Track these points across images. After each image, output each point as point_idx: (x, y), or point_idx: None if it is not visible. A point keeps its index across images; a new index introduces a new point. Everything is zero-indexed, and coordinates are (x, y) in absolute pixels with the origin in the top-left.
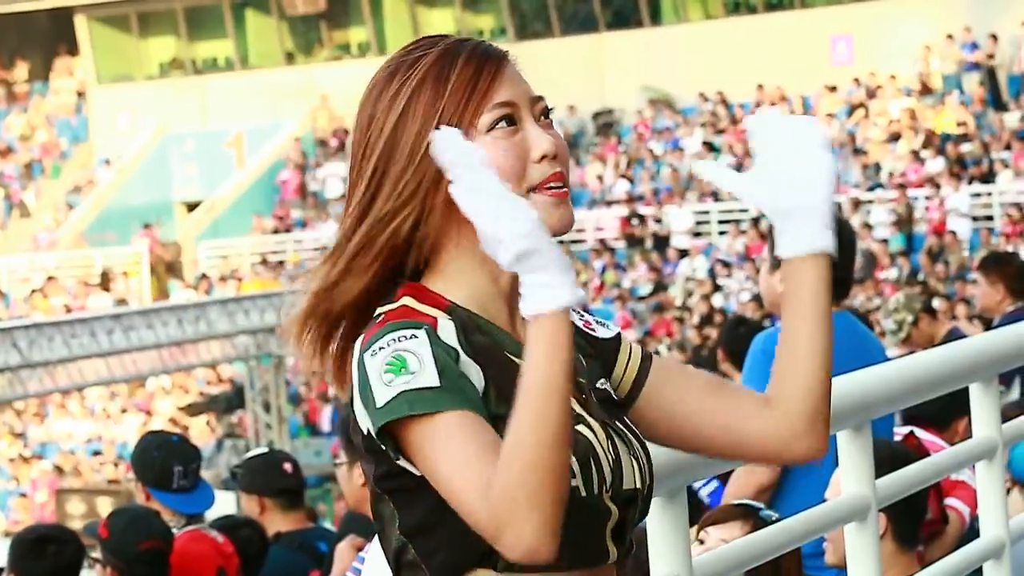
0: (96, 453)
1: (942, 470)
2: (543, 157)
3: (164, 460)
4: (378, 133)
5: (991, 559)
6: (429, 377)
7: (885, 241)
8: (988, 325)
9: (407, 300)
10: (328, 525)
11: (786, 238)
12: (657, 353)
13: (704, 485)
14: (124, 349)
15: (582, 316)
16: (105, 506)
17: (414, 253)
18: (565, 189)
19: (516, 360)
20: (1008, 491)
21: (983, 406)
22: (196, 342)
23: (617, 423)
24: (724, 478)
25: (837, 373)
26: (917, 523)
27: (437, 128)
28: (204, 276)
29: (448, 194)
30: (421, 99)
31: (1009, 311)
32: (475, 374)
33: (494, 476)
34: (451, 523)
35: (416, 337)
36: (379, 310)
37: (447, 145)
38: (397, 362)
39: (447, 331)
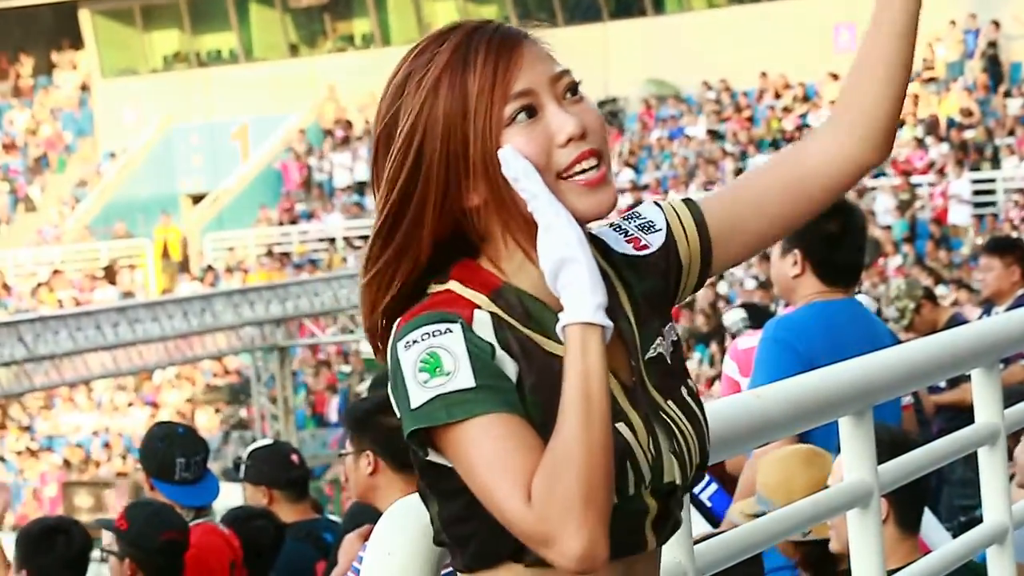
0: (104, 446)
1: (944, 456)
2: (569, 140)
3: (167, 451)
4: (411, 129)
5: (994, 544)
6: (465, 378)
7: (889, 228)
8: (988, 311)
9: (453, 284)
10: (334, 517)
11: None
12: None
13: (704, 488)
14: (130, 342)
15: (628, 233)
16: (112, 499)
17: (470, 228)
18: (599, 170)
19: (557, 352)
20: (1012, 476)
21: (985, 391)
22: (202, 334)
23: (668, 404)
24: (722, 479)
25: (842, 359)
26: (919, 508)
27: (453, 124)
28: (210, 268)
29: (487, 189)
30: (442, 100)
31: (1021, 293)
32: (510, 368)
33: (538, 483)
34: (485, 517)
35: (451, 332)
36: (430, 288)
37: (505, 164)
38: (432, 360)
39: (482, 325)
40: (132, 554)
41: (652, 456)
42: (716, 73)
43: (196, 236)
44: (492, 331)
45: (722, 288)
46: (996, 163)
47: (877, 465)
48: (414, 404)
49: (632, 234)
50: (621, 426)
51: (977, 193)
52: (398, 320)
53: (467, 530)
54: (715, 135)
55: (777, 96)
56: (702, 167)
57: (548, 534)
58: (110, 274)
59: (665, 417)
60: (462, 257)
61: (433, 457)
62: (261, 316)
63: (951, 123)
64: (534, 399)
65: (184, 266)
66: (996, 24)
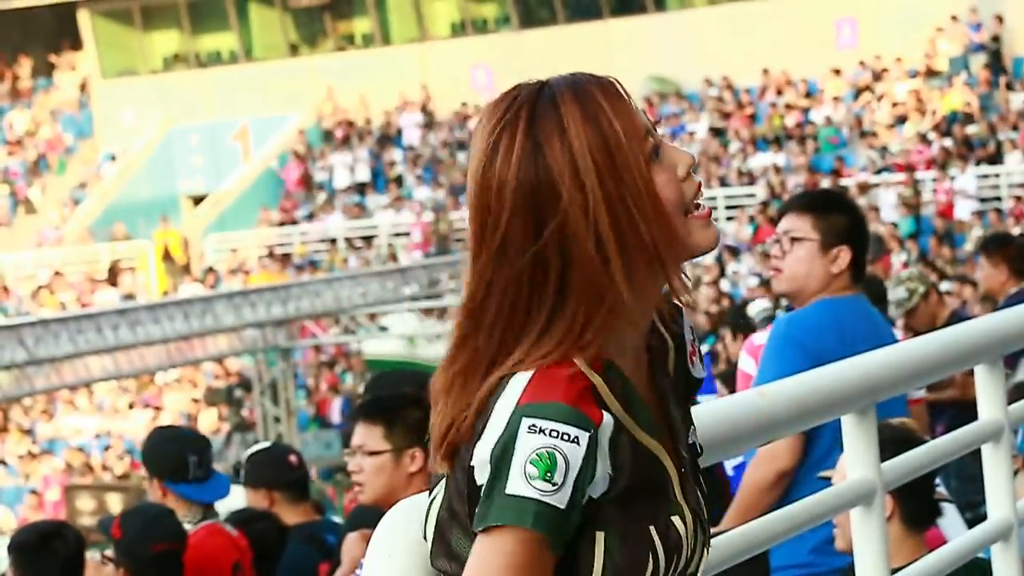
0: (106, 449)
1: (948, 453)
2: (688, 172)
3: (178, 451)
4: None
5: (999, 541)
6: (562, 498)
7: (893, 224)
8: (995, 307)
9: (576, 357)
10: (336, 518)
11: None
12: None
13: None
14: (131, 344)
15: (683, 338)
16: (115, 502)
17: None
18: (708, 206)
19: (645, 442)
20: (1016, 472)
21: (988, 388)
22: (203, 336)
23: (701, 499)
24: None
25: (851, 355)
26: (925, 505)
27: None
28: (211, 270)
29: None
30: (588, 143)
31: (1013, 292)
32: (601, 479)
33: None
34: None
35: (578, 444)
36: (535, 353)
37: None
38: (548, 461)
39: (606, 432)
40: (125, 564)
41: (691, 548)
42: (718, 70)
43: (197, 238)
44: (608, 439)
45: (724, 286)
46: (999, 158)
47: (881, 463)
48: (511, 490)
49: (688, 337)
50: (676, 520)
51: (981, 188)
52: (528, 378)
53: None
54: (717, 132)
55: (779, 92)
56: (704, 164)
57: None
58: (111, 276)
59: (700, 514)
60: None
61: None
62: (262, 317)
63: (953, 118)
64: (618, 504)
65: (186, 268)
66: (999, 18)
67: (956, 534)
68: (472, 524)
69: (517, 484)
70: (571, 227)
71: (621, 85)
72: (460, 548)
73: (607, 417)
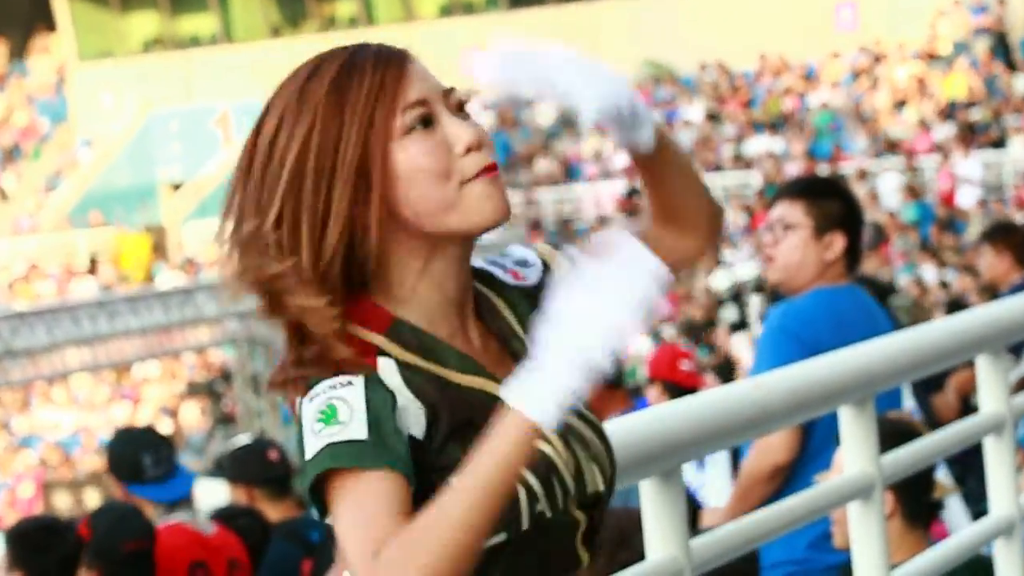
0: (83, 444)
1: (948, 445)
2: (468, 149)
3: (133, 453)
4: (288, 156)
5: (1001, 536)
6: (357, 429)
7: (893, 212)
8: (996, 296)
9: (353, 328)
10: None
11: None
12: None
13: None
14: (109, 335)
15: (505, 268)
16: (92, 498)
17: (357, 266)
18: (495, 171)
19: (461, 382)
20: (1020, 467)
21: (990, 379)
22: (183, 327)
23: (572, 417)
24: None
25: (847, 345)
26: (926, 499)
27: (342, 136)
28: (191, 259)
29: (381, 203)
30: (328, 113)
31: (1016, 282)
32: (414, 415)
33: (397, 542)
34: None
35: (351, 384)
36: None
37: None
38: (328, 411)
39: (387, 371)
40: (96, 564)
41: (573, 468)
42: (713, 54)
43: (176, 226)
44: (398, 374)
45: (720, 274)
46: (1003, 144)
47: (879, 456)
48: (307, 455)
49: (510, 267)
50: (540, 443)
51: (984, 175)
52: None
53: None
54: (713, 117)
55: (776, 77)
56: (699, 150)
57: None
58: (90, 266)
59: (574, 427)
60: (356, 291)
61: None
62: (245, 308)
63: (956, 103)
64: (447, 438)
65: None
66: (1002, 1)
67: (959, 526)
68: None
69: (312, 445)
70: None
71: (402, 59)
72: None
73: (382, 360)
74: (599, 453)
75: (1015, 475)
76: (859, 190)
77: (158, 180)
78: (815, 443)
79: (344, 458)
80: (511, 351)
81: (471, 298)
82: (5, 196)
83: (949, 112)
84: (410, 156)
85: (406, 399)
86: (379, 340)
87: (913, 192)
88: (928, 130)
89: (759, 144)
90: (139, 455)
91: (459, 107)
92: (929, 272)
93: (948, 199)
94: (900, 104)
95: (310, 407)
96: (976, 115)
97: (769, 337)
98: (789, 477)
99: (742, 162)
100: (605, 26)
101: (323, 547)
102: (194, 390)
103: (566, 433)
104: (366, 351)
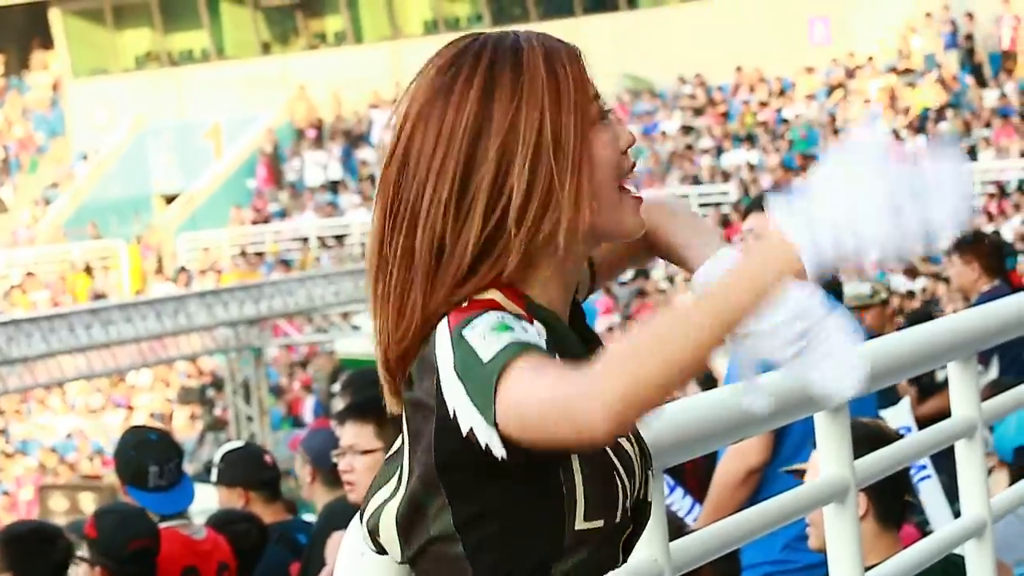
0: (77, 449)
1: (921, 450)
2: (627, 147)
3: (140, 459)
4: (494, 137)
5: (973, 538)
6: (531, 336)
7: None
8: (967, 305)
9: (494, 294)
10: (309, 517)
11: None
12: None
13: (688, 512)
14: (103, 344)
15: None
16: (88, 502)
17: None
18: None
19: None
20: (991, 471)
21: (961, 385)
22: (176, 335)
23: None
24: (698, 495)
25: None
26: (899, 502)
27: (562, 121)
28: (183, 269)
29: (580, 183)
30: (548, 99)
31: (985, 290)
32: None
33: (619, 346)
34: (511, 523)
35: (519, 319)
36: (455, 298)
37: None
38: (502, 325)
39: (537, 331)
40: (102, 563)
41: (640, 466)
42: (691, 68)
43: (170, 237)
44: (544, 340)
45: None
46: (972, 155)
47: (854, 460)
48: (492, 351)
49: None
50: (624, 441)
51: None
52: (450, 317)
53: (486, 537)
54: (690, 130)
55: (752, 90)
56: (677, 162)
57: (594, 388)
58: (86, 276)
59: (635, 438)
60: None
61: (497, 450)
62: (235, 317)
63: (926, 115)
64: None
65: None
66: (972, 16)
67: (937, 511)
68: (477, 429)
69: (488, 348)
70: (503, 176)
71: (580, 52)
72: (440, 518)
73: (536, 324)
74: (647, 462)
75: (986, 478)
76: None
77: (151, 192)
78: (788, 447)
79: (532, 349)
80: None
81: (572, 293)
82: (3, 208)
83: (920, 125)
84: (602, 143)
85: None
86: (511, 307)
87: None
88: (900, 142)
89: (736, 156)
90: (145, 464)
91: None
92: (899, 281)
93: None
94: (873, 117)
95: (477, 330)
96: (946, 127)
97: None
98: (762, 480)
99: (719, 174)
100: (586, 41)
101: (311, 550)
102: (186, 397)
103: (632, 438)
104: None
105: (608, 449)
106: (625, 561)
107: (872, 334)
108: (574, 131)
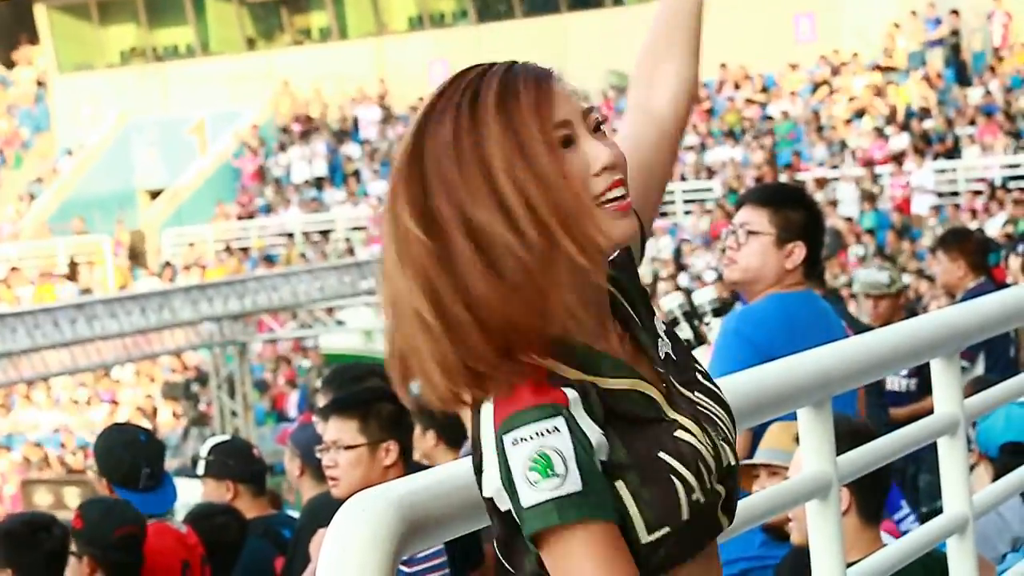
0: (63, 444)
1: (904, 446)
2: (603, 169)
3: (132, 461)
4: (463, 171)
5: (955, 534)
6: (574, 482)
7: (850, 219)
8: (953, 302)
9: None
10: (294, 512)
11: None
12: None
13: None
14: (88, 338)
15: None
16: (72, 496)
17: None
18: (627, 199)
19: (616, 387)
20: (973, 467)
21: (945, 382)
22: (160, 330)
23: (696, 395)
24: None
25: (801, 350)
26: (881, 498)
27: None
28: (168, 264)
29: (538, 224)
30: (492, 135)
31: (971, 287)
32: (597, 442)
33: None
34: None
35: (559, 431)
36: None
37: None
38: (543, 461)
39: (576, 406)
40: (89, 552)
41: (711, 450)
42: None
43: (154, 232)
44: (582, 409)
45: (683, 280)
46: (957, 153)
47: (836, 456)
48: (526, 503)
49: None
50: (680, 433)
51: (939, 183)
52: (495, 403)
53: None
54: None
55: (737, 87)
56: None
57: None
58: (70, 271)
59: (703, 410)
60: None
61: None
62: (219, 312)
63: (911, 113)
64: (620, 451)
65: (139, 259)
66: (957, 14)
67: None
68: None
69: (529, 495)
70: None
71: (554, 76)
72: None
73: (570, 392)
74: (726, 427)
75: (968, 475)
76: (817, 198)
77: (136, 187)
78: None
79: (571, 512)
80: (641, 345)
81: (607, 301)
82: None
83: (905, 122)
84: (557, 171)
85: (590, 430)
86: (549, 364)
87: (870, 200)
88: (884, 139)
89: (720, 153)
90: (138, 464)
91: (596, 127)
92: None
93: (904, 206)
94: (857, 114)
95: (518, 452)
96: (930, 125)
97: (724, 339)
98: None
99: (704, 170)
100: (572, 38)
101: (295, 545)
102: (170, 391)
103: (699, 417)
104: (540, 380)
105: (663, 454)
106: (730, 522)
107: (879, 325)
108: (521, 166)
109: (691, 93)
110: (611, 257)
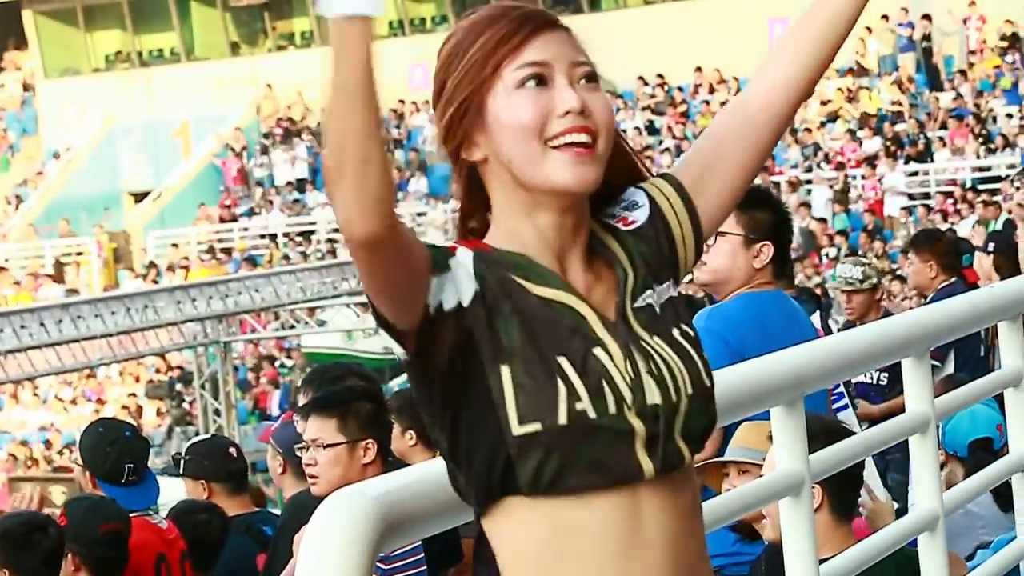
0: (49, 442)
1: (875, 444)
2: (567, 112)
3: (117, 457)
4: (438, 84)
5: (925, 532)
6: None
7: (824, 220)
8: (924, 302)
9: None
10: (276, 510)
11: None
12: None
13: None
14: (73, 339)
15: (615, 216)
16: (58, 494)
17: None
18: (588, 148)
19: (539, 293)
20: (943, 466)
21: (916, 380)
22: (145, 330)
23: (654, 338)
24: None
25: (771, 350)
26: (853, 496)
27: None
28: (152, 265)
29: (488, 144)
30: (460, 50)
31: (941, 287)
32: (466, 285)
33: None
34: (465, 448)
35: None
36: None
37: None
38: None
39: (463, 254)
40: (74, 549)
41: (631, 377)
42: (652, 68)
43: (139, 233)
44: (471, 263)
45: None
46: (928, 156)
47: (809, 454)
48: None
49: (619, 215)
50: (598, 351)
51: (910, 185)
52: None
53: (460, 470)
54: (651, 130)
55: (712, 91)
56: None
57: (332, 200)
58: (55, 272)
59: (645, 346)
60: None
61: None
62: (203, 312)
63: (883, 116)
64: (512, 320)
65: (123, 261)
66: (928, 18)
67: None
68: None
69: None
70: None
71: (549, 21)
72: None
73: (462, 250)
74: (668, 374)
75: (939, 472)
76: (791, 200)
77: (121, 189)
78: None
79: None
80: (615, 275)
81: (578, 248)
82: None
83: (877, 125)
84: (512, 107)
85: (465, 272)
86: (466, 250)
87: (842, 201)
88: (857, 142)
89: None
90: (122, 461)
91: (586, 79)
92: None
93: (876, 208)
94: (831, 117)
95: None
96: (902, 128)
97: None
98: None
99: None
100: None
101: (277, 542)
102: (154, 391)
103: (632, 349)
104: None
105: (562, 357)
106: (668, 465)
107: (855, 320)
108: (462, 90)
109: (791, 93)
110: (623, 227)
